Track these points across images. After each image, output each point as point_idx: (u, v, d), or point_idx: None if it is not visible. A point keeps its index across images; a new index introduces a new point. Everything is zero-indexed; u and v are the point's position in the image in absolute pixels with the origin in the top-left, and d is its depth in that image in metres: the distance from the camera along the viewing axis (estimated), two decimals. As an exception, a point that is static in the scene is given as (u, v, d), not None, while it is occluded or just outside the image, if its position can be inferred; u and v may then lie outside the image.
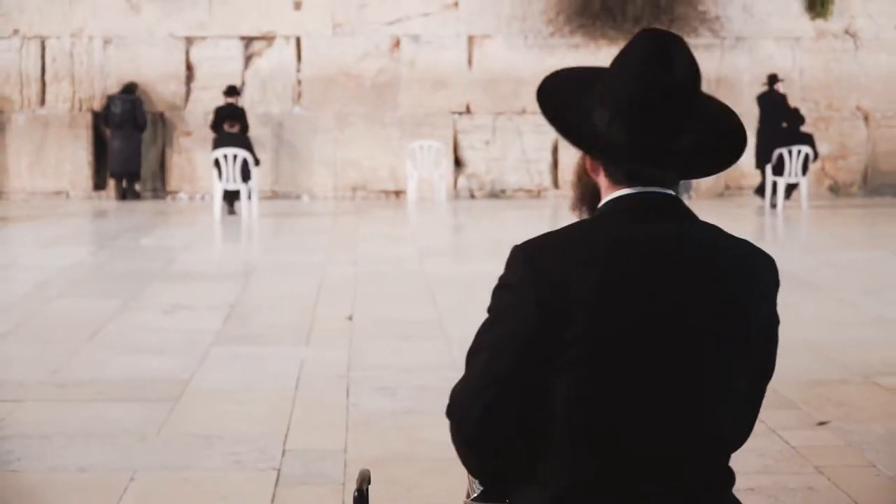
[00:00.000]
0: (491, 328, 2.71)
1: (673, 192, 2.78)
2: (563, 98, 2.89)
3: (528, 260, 2.68)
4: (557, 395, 2.65)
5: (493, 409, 2.68)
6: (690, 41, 22.19)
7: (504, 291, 2.71)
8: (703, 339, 2.65)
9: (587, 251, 2.68)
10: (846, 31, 23.43)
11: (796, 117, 21.81)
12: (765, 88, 21.94)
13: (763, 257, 2.80)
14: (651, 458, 2.64)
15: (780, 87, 21.81)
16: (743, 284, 2.71)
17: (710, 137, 2.83)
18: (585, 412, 2.66)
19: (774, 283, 2.78)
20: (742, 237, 2.81)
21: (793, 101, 21.88)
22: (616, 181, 2.78)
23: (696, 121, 2.78)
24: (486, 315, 2.72)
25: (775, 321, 2.79)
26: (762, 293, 2.74)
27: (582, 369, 2.63)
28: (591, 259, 2.66)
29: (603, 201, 2.80)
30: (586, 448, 2.64)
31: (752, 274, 2.76)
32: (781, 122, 21.61)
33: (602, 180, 2.84)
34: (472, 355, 2.75)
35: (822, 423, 7.28)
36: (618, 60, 2.80)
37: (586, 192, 2.90)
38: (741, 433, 2.88)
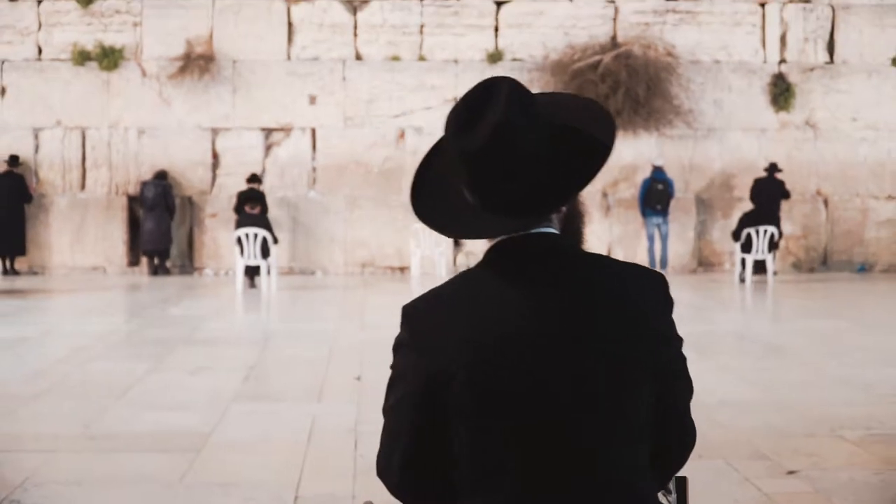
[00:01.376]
0: (391, 387, 2.65)
1: (546, 230, 2.63)
2: (426, 191, 2.75)
3: (410, 321, 2.61)
4: (463, 441, 2.55)
5: (406, 463, 2.59)
6: (666, 132, 22.63)
7: (395, 352, 2.65)
8: (595, 369, 2.48)
9: (463, 305, 2.59)
10: (807, 123, 23.35)
11: (787, 198, 22.30)
12: (764, 175, 21.98)
13: (650, 277, 2.64)
14: (563, 493, 2.50)
15: (778, 175, 22.04)
16: (623, 308, 2.53)
17: (548, 158, 2.61)
18: (489, 457, 2.54)
19: (664, 301, 2.59)
20: (630, 262, 2.62)
21: (759, 186, 22.02)
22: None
23: (531, 156, 2.58)
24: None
25: (667, 340, 2.59)
26: (646, 313, 2.55)
27: (465, 425, 2.53)
28: (465, 314, 2.57)
29: (484, 252, 2.68)
30: (499, 490, 2.51)
31: (637, 296, 2.59)
32: (778, 204, 21.90)
33: None
34: (384, 413, 2.68)
35: (791, 472, 7.15)
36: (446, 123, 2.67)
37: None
38: (674, 450, 2.71)
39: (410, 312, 2.63)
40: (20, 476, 7.13)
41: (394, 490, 2.65)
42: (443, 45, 23.04)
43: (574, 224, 2.75)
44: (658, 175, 22.09)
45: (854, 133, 23.45)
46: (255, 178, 22.08)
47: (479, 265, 2.66)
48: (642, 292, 2.61)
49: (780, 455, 7.60)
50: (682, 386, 2.64)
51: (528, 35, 23.04)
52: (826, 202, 23.51)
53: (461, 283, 2.66)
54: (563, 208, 2.66)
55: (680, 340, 2.63)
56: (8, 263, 22.64)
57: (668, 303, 2.61)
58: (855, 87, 23.41)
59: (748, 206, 21.85)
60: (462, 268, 22.88)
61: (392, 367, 2.65)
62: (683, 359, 2.64)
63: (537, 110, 2.60)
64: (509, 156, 2.56)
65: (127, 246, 23.06)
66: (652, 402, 2.56)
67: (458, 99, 2.66)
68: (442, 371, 2.54)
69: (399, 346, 2.63)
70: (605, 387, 2.48)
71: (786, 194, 22.40)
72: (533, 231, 2.62)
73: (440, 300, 2.64)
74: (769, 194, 21.86)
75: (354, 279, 22.30)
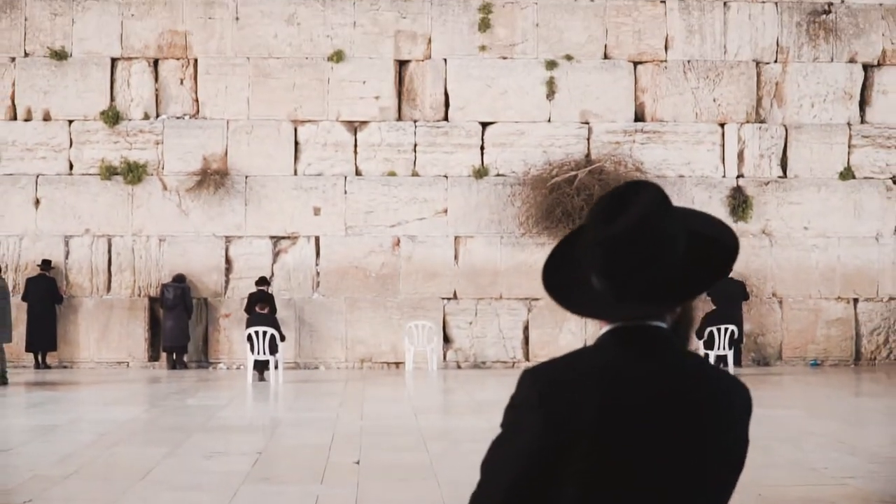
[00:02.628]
0: (501, 443, 2.58)
1: (659, 324, 2.61)
2: (557, 277, 2.74)
3: (535, 384, 2.54)
4: (571, 497, 2.52)
5: None
6: None
7: (514, 411, 2.58)
8: (684, 460, 2.51)
9: (586, 377, 2.55)
10: (763, 231, 23.35)
11: (747, 299, 22.52)
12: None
13: (738, 387, 2.65)
14: None
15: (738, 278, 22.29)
16: (717, 411, 2.55)
17: (692, 256, 2.64)
18: None
19: (747, 410, 2.61)
20: (723, 370, 2.71)
21: (720, 289, 22.01)
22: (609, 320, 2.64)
23: (669, 246, 2.61)
24: (498, 431, 2.58)
25: (744, 441, 2.62)
26: (733, 418, 2.57)
27: (581, 482, 2.50)
28: (590, 386, 2.53)
29: (601, 332, 2.65)
30: None
31: (728, 402, 2.61)
32: (740, 305, 22.17)
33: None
34: (486, 466, 2.61)
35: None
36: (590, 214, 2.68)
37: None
38: None
39: (539, 375, 2.58)
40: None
41: None
42: (434, 162, 23.04)
43: (683, 326, 2.74)
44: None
45: (806, 241, 23.43)
46: (264, 282, 22.10)
47: (596, 345, 2.65)
48: (735, 398, 2.63)
49: (739, 530, 7.61)
50: (732, 481, 2.67)
51: (510, 153, 23.06)
52: (781, 303, 23.45)
53: (583, 357, 2.64)
54: (678, 308, 2.65)
55: (748, 444, 2.66)
56: (40, 358, 22.42)
57: (750, 412, 2.64)
58: (806, 199, 23.42)
59: (710, 306, 21.91)
60: (451, 363, 22.85)
61: (504, 424, 2.59)
62: (743, 459, 2.67)
63: (675, 212, 2.64)
64: (650, 244, 2.57)
65: (148, 342, 22.90)
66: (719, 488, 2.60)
67: (606, 194, 2.67)
68: (572, 431, 2.51)
69: (520, 405, 2.56)
70: (699, 470, 2.53)
71: (746, 296, 22.52)
72: (649, 323, 2.61)
73: (569, 368, 2.60)
74: (730, 296, 21.94)
75: (354, 373, 22.18)
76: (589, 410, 2.52)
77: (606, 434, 2.51)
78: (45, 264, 22.43)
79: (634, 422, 2.49)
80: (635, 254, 2.57)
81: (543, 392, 2.54)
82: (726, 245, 2.63)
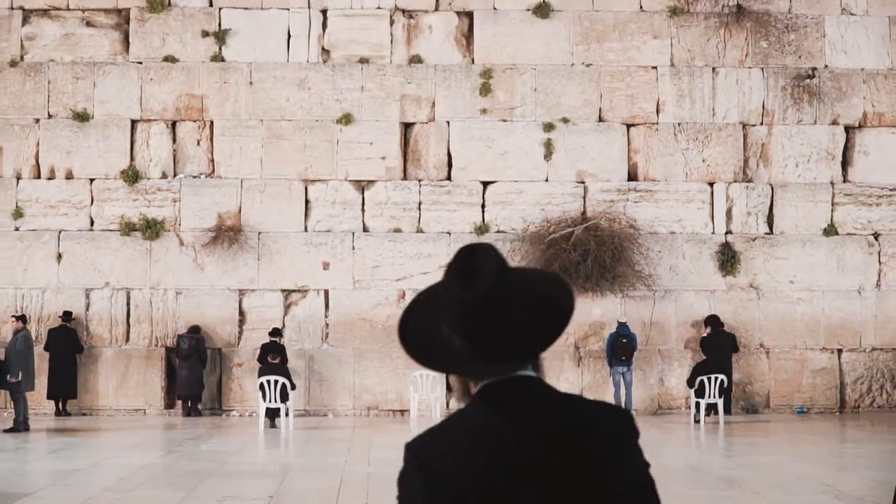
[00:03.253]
0: None
1: (527, 373, 2.62)
2: (418, 333, 2.72)
3: (414, 455, 2.56)
4: None
5: None
6: (629, 293, 22.68)
7: (401, 483, 2.59)
8: (580, 488, 2.49)
9: (464, 439, 2.56)
10: (751, 285, 23.32)
11: (737, 351, 22.52)
12: (708, 330, 22.13)
13: (615, 413, 2.65)
14: None
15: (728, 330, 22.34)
16: (598, 443, 2.54)
17: (531, 317, 2.64)
18: None
19: (629, 433, 2.60)
20: (600, 400, 2.67)
21: (710, 340, 22.06)
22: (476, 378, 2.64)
23: (521, 308, 2.61)
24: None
25: (637, 463, 2.60)
26: (617, 446, 2.56)
27: None
28: (468, 447, 2.54)
29: (473, 391, 2.66)
30: None
31: (607, 430, 2.59)
32: (730, 356, 22.11)
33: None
34: None
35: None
36: (444, 277, 2.67)
37: (463, 385, 2.73)
38: None
39: (416, 447, 2.59)
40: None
41: None
42: (438, 219, 23.11)
43: (541, 369, 2.74)
44: (623, 330, 22.12)
45: (792, 294, 23.38)
46: (276, 332, 22.12)
47: (470, 404, 2.65)
48: (614, 424, 2.62)
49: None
50: (648, 499, 2.62)
51: (510, 210, 23.12)
52: (768, 353, 23.38)
53: (459, 420, 2.64)
54: (541, 355, 2.67)
55: (646, 464, 2.62)
56: (61, 405, 22.40)
57: (635, 433, 2.62)
58: (792, 254, 23.42)
59: (701, 357, 21.89)
60: (454, 410, 22.69)
61: (399, 498, 2.60)
62: (650, 478, 2.63)
63: (520, 273, 2.66)
64: (506, 309, 2.59)
65: (164, 391, 22.85)
66: None
67: (453, 258, 2.66)
68: (454, 496, 2.51)
69: (405, 478, 2.58)
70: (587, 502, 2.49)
71: (736, 348, 22.51)
72: (517, 374, 2.62)
73: (443, 435, 2.62)
74: (720, 347, 21.94)
75: (361, 420, 22.15)
76: (470, 471, 2.53)
77: (492, 489, 2.51)
78: (67, 316, 22.43)
79: (519, 474, 2.49)
80: (494, 316, 2.59)
81: (422, 461, 2.56)
82: (565, 305, 2.65)
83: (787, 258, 23.46)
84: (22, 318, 21.27)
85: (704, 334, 22.35)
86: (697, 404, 21.06)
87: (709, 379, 20.96)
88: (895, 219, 23.73)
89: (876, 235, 23.68)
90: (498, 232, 23.05)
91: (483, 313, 2.59)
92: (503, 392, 2.62)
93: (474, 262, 2.64)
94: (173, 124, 23.17)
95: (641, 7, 23.65)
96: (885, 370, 23.50)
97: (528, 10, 23.49)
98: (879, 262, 23.63)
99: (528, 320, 2.62)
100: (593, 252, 22.44)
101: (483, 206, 23.21)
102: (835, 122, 23.76)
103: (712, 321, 22.35)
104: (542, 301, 2.69)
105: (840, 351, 23.50)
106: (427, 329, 2.71)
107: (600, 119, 23.46)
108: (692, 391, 21.14)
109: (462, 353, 2.63)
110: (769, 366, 23.39)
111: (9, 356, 20.61)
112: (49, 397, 22.32)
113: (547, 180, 23.29)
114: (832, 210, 23.62)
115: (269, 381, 20.20)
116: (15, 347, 20.53)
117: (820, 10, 23.88)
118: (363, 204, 23.14)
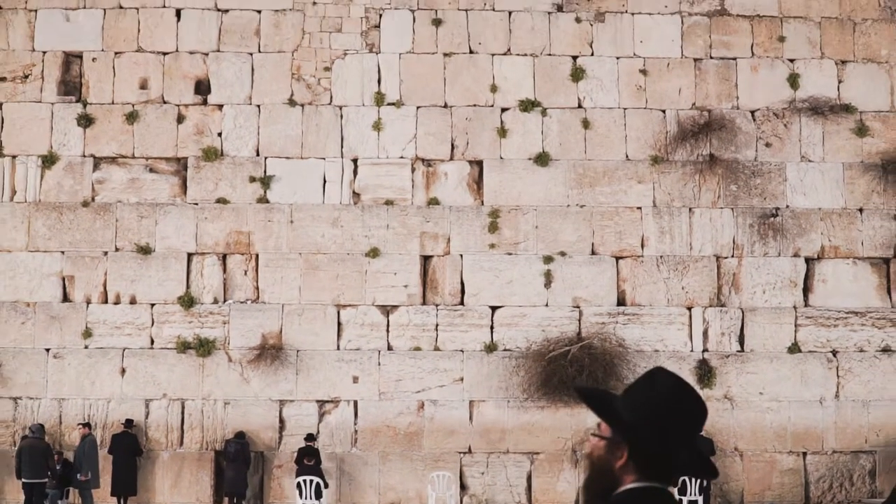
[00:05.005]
0: None
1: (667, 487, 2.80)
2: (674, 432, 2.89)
3: None
4: None
5: None
6: (618, 386, 22.09)
7: None
8: None
9: None
10: (725, 396, 24.00)
11: (713, 454, 22.73)
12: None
13: None
14: None
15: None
16: None
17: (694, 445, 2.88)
18: None
19: None
20: None
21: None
22: (641, 477, 2.81)
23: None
24: None
25: None
26: None
27: None
28: None
29: (622, 489, 2.80)
30: None
31: None
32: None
33: (627, 473, 2.85)
34: None
35: None
36: (673, 400, 2.85)
37: (604, 484, 2.86)
38: None
39: None
40: None
41: None
42: (452, 339, 23.79)
43: None
44: (614, 436, 23.36)
45: (762, 404, 23.98)
46: (311, 438, 22.92)
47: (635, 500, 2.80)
48: None
49: None
50: None
51: (514, 331, 23.81)
52: (742, 456, 23.97)
53: None
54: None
55: None
56: (123, 502, 23.02)
57: None
58: (761, 369, 24.07)
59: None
60: (467, 508, 21.92)
61: None
62: None
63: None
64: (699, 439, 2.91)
65: (213, 489, 23.46)
66: None
67: (683, 388, 2.83)
68: None
69: None
70: None
71: (713, 451, 22.99)
72: (656, 484, 2.88)
73: None
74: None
75: (386, 516, 23.11)
76: None
77: None
78: (128, 423, 23.27)
79: None
80: (693, 441, 2.91)
81: None
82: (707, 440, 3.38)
83: (756, 373, 24.10)
84: (87, 425, 22.58)
85: (685, 439, 23.65)
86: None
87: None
88: (851, 338, 24.27)
89: (834, 353, 24.35)
90: (504, 350, 23.75)
91: (693, 438, 2.90)
92: (647, 497, 2.86)
93: (692, 389, 2.91)
94: (224, 257, 24.05)
95: (627, 157, 24.63)
96: (845, 470, 24.02)
97: (530, 159, 24.50)
98: (838, 375, 24.25)
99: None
100: (588, 367, 23.10)
101: (492, 328, 23.90)
102: (796, 255, 24.47)
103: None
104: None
105: (805, 454, 24.09)
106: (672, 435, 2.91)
107: (593, 252, 24.23)
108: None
109: (673, 461, 2.90)
110: (743, 467, 23.91)
111: (78, 458, 22.08)
112: (112, 494, 22.89)
113: (547, 305, 24.06)
114: (795, 331, 24.30)
115: (305, 481, 21.27)
116: (83, 450, 21.98)
117: (782, 158, 24.73)
118: (388, 326, 23.86)
